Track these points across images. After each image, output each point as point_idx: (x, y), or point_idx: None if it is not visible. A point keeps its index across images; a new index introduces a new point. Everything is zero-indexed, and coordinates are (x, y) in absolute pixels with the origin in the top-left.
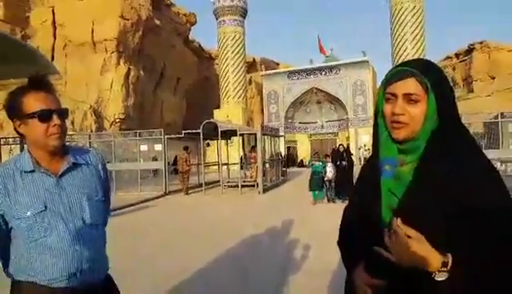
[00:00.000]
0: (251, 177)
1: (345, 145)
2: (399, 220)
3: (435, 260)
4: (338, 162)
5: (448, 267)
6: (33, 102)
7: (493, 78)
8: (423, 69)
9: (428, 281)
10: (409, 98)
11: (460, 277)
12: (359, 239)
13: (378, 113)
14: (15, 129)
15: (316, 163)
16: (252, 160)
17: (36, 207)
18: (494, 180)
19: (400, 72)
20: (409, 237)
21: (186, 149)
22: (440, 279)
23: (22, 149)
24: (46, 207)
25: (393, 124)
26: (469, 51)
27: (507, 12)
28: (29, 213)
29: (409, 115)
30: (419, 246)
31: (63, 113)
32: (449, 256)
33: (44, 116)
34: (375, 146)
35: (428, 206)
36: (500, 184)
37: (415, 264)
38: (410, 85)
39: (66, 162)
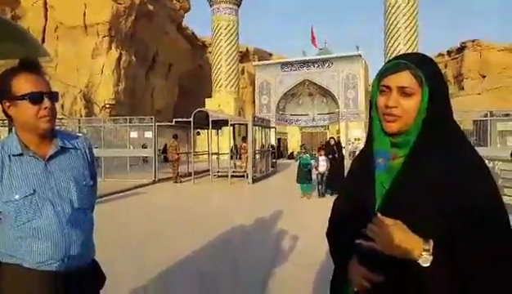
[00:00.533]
0: (241, 167)
1: (336, 138)
2: (379, 213)
3: (417, 247)
4: (329, 155)
5: (430, 252)
6: (24, 84)
7: (484, 77)
8: (418, 63)
9: (412, 269)
10: (403, 91)
11: (443, 263)
12: (350, 232)
13: (372, 105)
14: (3, 111)
15: (304, 156)
16: (243, 150)
17: (24, 190)
18: (484, 175)
19: (395, 65)
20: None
21: (175, 137)
22: (425, 265)
23: (10, 131)
24: (34, 190)
25: (386, 117)
26: (461, 49)
27: (499, 12)
28: (17, 196)
29: (402, 108)
30: (400, 233)
31: (54, 97)
32: (431, 242)
33: (35, 98)
34: (369, 139)
35: (414, 198)
36: (490, 180)
37: (398, 251)
38: (405, 78)
39: (54, 146)
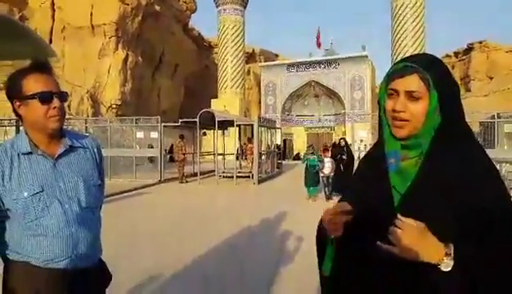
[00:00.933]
0: (246, 168)
1: (345, 139)
2: (399, 214)
3: (439, 251)
4: (338, 157)
5: (451, 257)
6: (35, 84)
7: (491, 78)
8: (426, 65)
9: (429, 273)
10: (410, 95)
11: (462, 267)
12: (359, 234)
13: (380, 108)
14: (14, 110)
15: (311, 157)
16: (248, 151)
17: (33, 188)
18: (494, 178)
19: (402, 68)
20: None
21: (181, 137)
22: (446, 270)
23: (17, 130)
24: (42, 188)
25: (394, 121)
26: (468, 50)
27: (507, 13)
28: (25, 194)
29: (410, 112)
30: (423, 236)
31: (63, 96)
32: (451, 246)
33: (45, 98)
34: (380, 140)
35: (431, 203)
36: (500, 183)
37: (419, 255)
38: (412, 82)
39: (63, 145)
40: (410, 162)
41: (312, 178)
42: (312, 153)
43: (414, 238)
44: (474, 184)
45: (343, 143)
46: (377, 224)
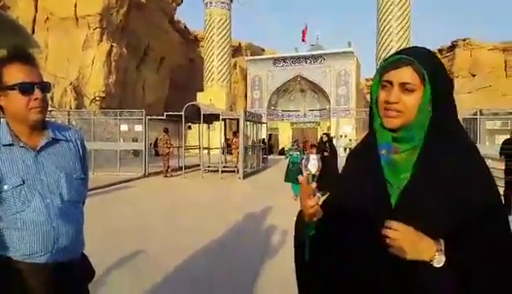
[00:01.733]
0: (232, 162)
1: (328, 134)
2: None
3: (429, 248)
4: (321, 154)
5: (442, 252)
6: (15, 73)
7: (474, 76)
8: (421, 58)
9: (421, 269)
10: (404, 87)
11: (455, 262)
12: (352, 229)
13: (372, 100)
14: None
15: (295, 153)
16: (233, 145)
17: (13, 181)
18: (485, 173)
19: (397, 59)
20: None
21: (166, 131)
22: (439, 265)
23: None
24: (23, 181)
25: (387, 112)
26: (452, 47)
27: (489, 12)
28: (5, 187)
29: (403, 104)
30: (414, 236)
31: (45, 87)
32: (441, 241)
33: (25, 88)
34: (370, 133)
35: (428, 199)
36: (491, 179)
37: (412, 255)
38: (407, 74)
39: (45, 137)
40: (401, 156)
41: (294, 175)
42: (297, 149)
43: (407, 238)
44: (468, 180)
45: (325, 138)
46: (373, 219)
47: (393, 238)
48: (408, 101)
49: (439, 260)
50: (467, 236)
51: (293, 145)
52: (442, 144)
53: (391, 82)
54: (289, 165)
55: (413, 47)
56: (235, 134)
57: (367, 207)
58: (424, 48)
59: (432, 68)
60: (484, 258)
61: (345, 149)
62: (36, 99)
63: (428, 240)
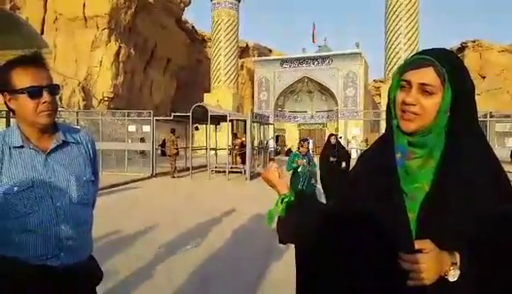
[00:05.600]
0: (234, 163)
1: (337, 136)
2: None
3: (445, 262)
4: (330, 159)
5: (458, 266)
6: (23, 77)
7: (483, 77)
8: (444, 60)
9: (439, 285)
10: (423, 88)
11: (471, 275)
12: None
13: (390, 100)
14: (5, 103)
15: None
16: (237, 146)
17: (23, 183)
18: (505, 180)
19: (418, 59)
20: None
21: (172, 131)
22: (453, 280)
23: (8, 122)
24: (33, 183)
25: (403, 114)
26: (462, 49)
27: (500, 13)
28: (15, 189)
29: (421, 106)
30: (434, 260)
31: (54, 90)
32: (457, 255)
33: (34, 92)
34: (387, 134)
35: (451, 217)
36: (509, 185)
37: (433, 277)
38: (428, 75)
39: (55, 140)
40: (416, 162)
41: (297, 184)
42: (305, 155)
43: (431, 263)
44: (489, 191)
45: (333, 140)
46: (390, 239)
47: (418, 266)
48: (426, 103)
49: (454, 275)
50: (485, 248)
51: (300, 144)
52: (462, 151)
53: (410, 82)
54: (295, 172)
55: (436, 48)
56: (236, 135)
57: (382, 226)
58: (446, 49)
59: (454, 70)
60: (503, 271)
61: (357, 151)
62: (44, 102)
63: (444, 254)
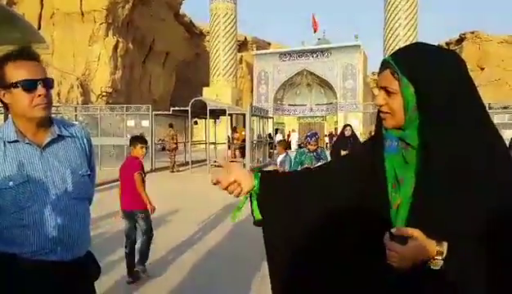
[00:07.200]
0: (233, 157)
1: (352, 127)
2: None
3: (431, 249)
4: (341, 152)
5: (443, 256)
6: (17, 71)
7: (482, 69)
8: (401, 59)
9: (423, 270)
10: (386, 90)
11: (454, 266)
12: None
13: None
14: None
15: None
16: (235, 141)
17: (18, 177)
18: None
19: (381, 63)
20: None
21: (170, 126)
22: (435, 268)
23: (6, 117)
24: (29, 178)
25: (380, 114)
26: (460, 40)
27: (498, 3)
28: (11, 183)
29: (389, 106)
30: (417, 243)
31: (48, 83)
32: (444, 244)
33: (28, 86)
34: (378, 129)
35: (438, 206)
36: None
37: (413, 263)
38: (385, 77)
39: (51, 134)
40: (413, 152)
41: None
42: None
43: (408, 253)
44: (479, 177)
45: (348, 132)
46: (372, 223)
47: (392, 257)
48: (392, 104)
49: (436, 264)
50: (472, 241)
51: (306, 139)
52: (438, 144)
53: (378, 85)
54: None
55: (405, 47)
56: (235, 129)
57: (368, 208)
58: (424, 45)
59: (414, 67)
60: (489, 264)
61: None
62: (39, 95)
63: (431, 242)
